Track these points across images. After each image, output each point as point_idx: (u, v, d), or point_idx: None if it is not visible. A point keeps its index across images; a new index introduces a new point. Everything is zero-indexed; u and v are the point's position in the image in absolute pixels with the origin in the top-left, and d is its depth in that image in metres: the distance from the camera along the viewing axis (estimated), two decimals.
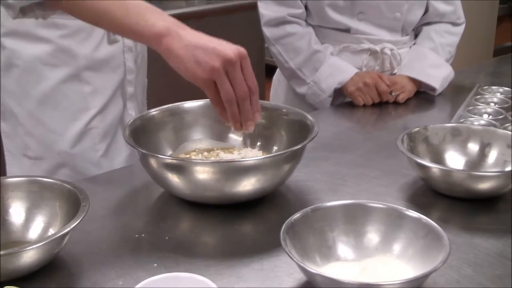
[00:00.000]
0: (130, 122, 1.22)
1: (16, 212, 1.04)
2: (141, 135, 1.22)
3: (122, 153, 1.55)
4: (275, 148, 1.29)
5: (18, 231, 1.03)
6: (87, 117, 1.48)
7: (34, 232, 1.03)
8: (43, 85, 1.44)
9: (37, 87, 1.44)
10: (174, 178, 1.11)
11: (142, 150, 1.12)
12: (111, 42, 1.48)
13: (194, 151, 1.31)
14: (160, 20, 1.05)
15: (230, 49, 1.04)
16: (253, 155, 1.26)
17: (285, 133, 1.30)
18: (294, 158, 1.15)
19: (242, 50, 1.05)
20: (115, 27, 1.09)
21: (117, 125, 1.54)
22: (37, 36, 1.41)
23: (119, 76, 1.52)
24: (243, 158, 1.24)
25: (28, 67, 1.42)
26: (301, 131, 1.23)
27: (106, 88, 1.50)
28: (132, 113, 1.56)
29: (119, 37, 1.49)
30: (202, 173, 1.09)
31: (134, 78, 1.56)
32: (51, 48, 1.42)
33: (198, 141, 1.33)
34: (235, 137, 1.35)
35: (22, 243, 0.95)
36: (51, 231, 1.02)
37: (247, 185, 1.11)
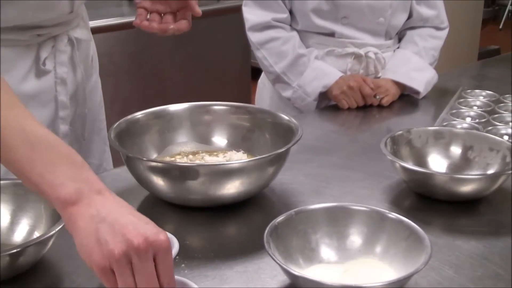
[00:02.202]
0: (115, 126, 1.22)
1: (1, 215, 1.04)
2: (126, 138, 1.22)
3: None
4: (259, 151, 1.30)
5: (3, 233, 1.03)
6: None
7: (19, 235, 1.03)
8: None
9: None
10: (158, 181, 1.12)
11: (128, 153, 1.13)
12: (39, 74, 1.30)
13: (179, 154, 1.31)
14: (73, 178, 0.80)
15: (142, 232, 0.76)
16: (238, 158, 1.26)
17: (269, 136, 1.31)
18: (278, 161, 1.16)
19: (160, 238, 0.77)
20: (18, 174, 0.83)
21: None
22: None
23: (49, 112, 1.34)
24: (228, 161, 1.25)
25: None
26: (285, 134, 1.24)
27: None
28: None
29: (49, 68, 1.31)
30: (187, 176, 1.09)
31: (68, 114, 1.37)
32: None
33: (183, 144, 1.34)
34: (220, 140, 1.35)
35: (7, 246, 0.95)
36: (36, 234, 1.02)
37: (232, 188, 1.12)
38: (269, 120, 1.32)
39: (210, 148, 1.34)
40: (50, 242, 0.97)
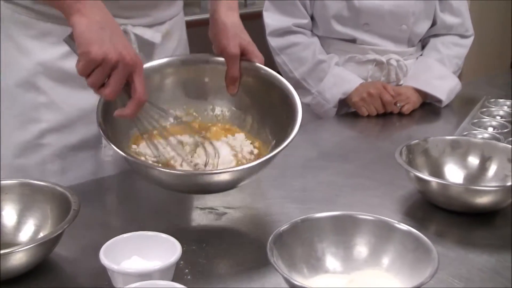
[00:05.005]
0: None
1: (8, 214, 1.05)
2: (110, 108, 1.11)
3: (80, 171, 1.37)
4: (265, 131, 1.21)
5: (10, 233, 1.04)
6: (36, 130, 1.31)
7: (25, 234, 1.04)
8: (2, 84, 1.31)
9: None
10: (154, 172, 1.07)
11: (124, 154, 1.06)
12: None
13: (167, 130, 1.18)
14: None
15: (132, 54, 1.03)
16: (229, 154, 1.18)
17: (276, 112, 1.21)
18: (266, 165, 1.09)
19: (140, 61, 1.05)
20: None
21: (81, 150, 1.34)
22: (7, 32, 1.29)
23: (91, 96, 1.20)
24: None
25: None
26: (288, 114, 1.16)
27: (68, 104, 1.30)
28: (106, 143, 1.21)
29: None
30: (172, 181, 1.07)
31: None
32: (14, 47, 1.28)
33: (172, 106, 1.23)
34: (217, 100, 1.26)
35: (12, 246, 0.95)
36: (42, 234, 1.02)
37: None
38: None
39: (204, 112, 1.24)
40: (55, 243, 0.97)
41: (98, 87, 1.03)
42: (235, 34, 1.21)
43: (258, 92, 1.23)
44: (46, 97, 1.29)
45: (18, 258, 0.91)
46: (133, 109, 1.05)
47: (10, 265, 0.91)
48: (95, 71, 1.01)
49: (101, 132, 1.06)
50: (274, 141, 1.17)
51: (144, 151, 1.15)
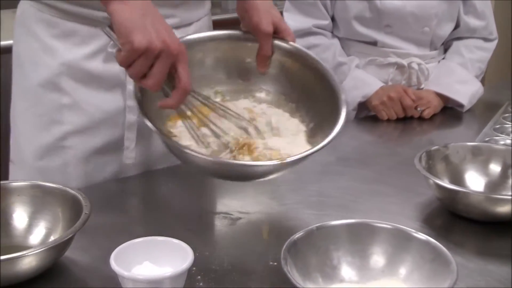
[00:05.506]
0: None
1: (19, 216, 1.04)
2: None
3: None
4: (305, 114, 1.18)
5: (21, 235, 1.03)
6: (59, 132, 1.28)
7: (35, 237, 1.03)
8: (25, 84, 1.29)
9: (19, 85, 1.31)
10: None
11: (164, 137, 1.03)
12: (108, 58, 1.25)
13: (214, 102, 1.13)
14: None
15: (176, 42, 0.97)
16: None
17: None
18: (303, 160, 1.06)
19: (184, 50, 0.99)
20: None
21: (104, 152, 1.31)
22: (31, 30, 1.26)
23: (115, 98, 1.29)
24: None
25: (18, 63, 1.31)
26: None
27: (92, 106, 1.28)
28: (129, 145, 1.31)
29: None
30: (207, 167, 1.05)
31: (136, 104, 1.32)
32: (38, 46, 1.25)
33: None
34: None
35: (23, 248, 0.94)
36: (52, 238, 1.01)
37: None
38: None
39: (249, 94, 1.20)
40: (66, 247, 0.96)
41: (140, 78, 0.98)
42: (267, 11, 1.17)
43: (302, 79, 1.19)
44: (69, 98, 1.27)
45: (28, 262, 0.90)
46: (178, 99, 1.01)
47: (20, 269, 0.90)
48: (137, 61, 0.96)
49: (144, 118, 1.01)
50: (312, 124, 1.15)
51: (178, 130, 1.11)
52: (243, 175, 1.06)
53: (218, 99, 1.16)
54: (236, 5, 1.22)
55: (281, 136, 1.13)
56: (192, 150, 1.01)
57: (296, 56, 1.19)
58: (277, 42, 1.18)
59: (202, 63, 1.18)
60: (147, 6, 0.98)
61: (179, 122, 1.10)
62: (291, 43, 1.18)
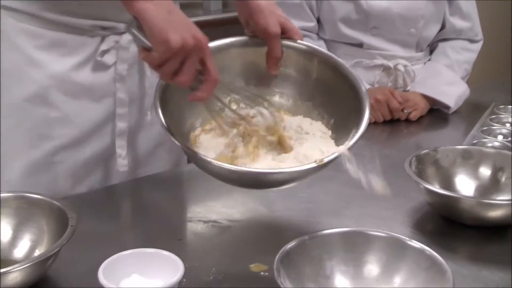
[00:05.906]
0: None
1: (3, 229, 1.00)
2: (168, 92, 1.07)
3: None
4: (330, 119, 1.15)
5: (5, 249, 1.00)
6: (48, 147, 1.25)
7: (20, 251, 1.00)
8: (11, 99, 1.23)
9: (5, 102, 1.24)
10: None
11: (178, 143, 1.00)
12: (97, 67, 1.24)
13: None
14: None
15: (203, 36, 0.96)
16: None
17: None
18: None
19: (207, 42, 0.97)
20: None
21: (92, 163, 1.30)
22: (15, 43, 1.21)
23: (104, 107, 1.28)
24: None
25: (2, 78, 1.23)
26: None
27: (81, 117, 1.26)
28: (121, 153, 1.30)
29: (109, 63, 1.26)
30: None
31: (126, 112, 1.29)
32: (22, 59, 1.21)
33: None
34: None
35: (7, 262, 0.92)
36: (37, 251, 0.98)
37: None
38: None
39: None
40: (51, 261, 0.93)
41: (172, 76, 0.96)
42: (272, 12, 1.15)
43: (319, 75, 1.17)
44: (58, 112, 1.23)
45: (13, 278, 0.87)
46: (208, 91, 0.99)
47: (4, 285, 0.87)
48: (171, 60, 0.94)
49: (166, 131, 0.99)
50: (333, 119, 1.13)
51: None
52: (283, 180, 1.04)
53: (234, 107, 1.13)
54: (237, 12, 1.18)
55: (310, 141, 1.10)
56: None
57: (311, 53, 1.17)
58: (286, 42, 1.15)
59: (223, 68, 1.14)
60: (170, 3, 0.97)
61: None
62: (300, 41, 1.17)
